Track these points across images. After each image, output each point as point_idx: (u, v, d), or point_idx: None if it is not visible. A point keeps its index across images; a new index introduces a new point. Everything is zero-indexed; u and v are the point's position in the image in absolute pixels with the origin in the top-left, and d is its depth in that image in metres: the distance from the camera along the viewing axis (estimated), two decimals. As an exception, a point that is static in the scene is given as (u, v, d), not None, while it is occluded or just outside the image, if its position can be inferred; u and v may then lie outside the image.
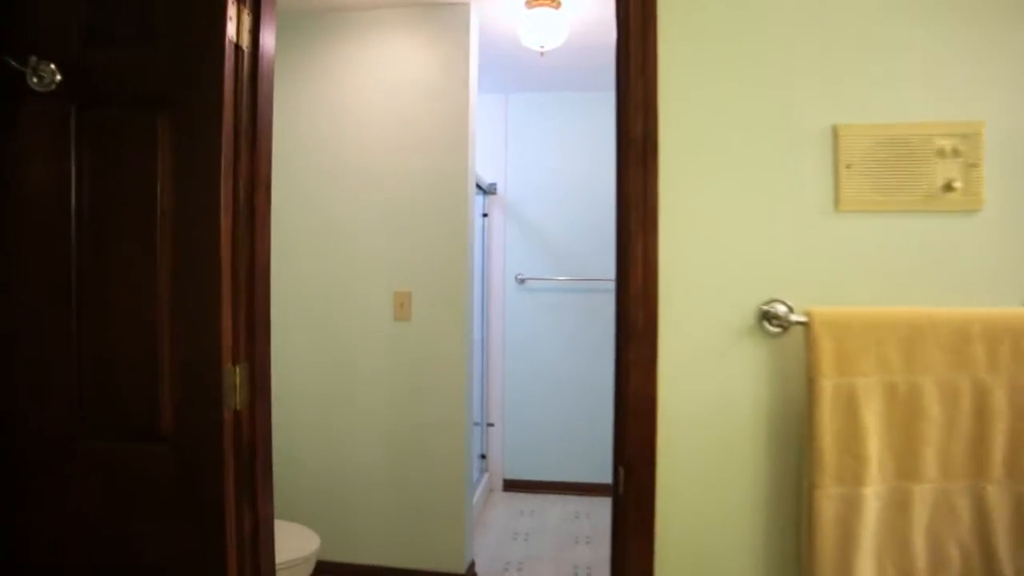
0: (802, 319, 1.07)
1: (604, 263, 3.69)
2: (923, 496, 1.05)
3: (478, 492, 3.36)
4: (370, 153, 2.44)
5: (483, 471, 3.71)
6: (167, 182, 1.14)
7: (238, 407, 1.18)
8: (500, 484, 3.77)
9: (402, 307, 2.41)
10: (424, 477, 2.41)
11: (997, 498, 1.05)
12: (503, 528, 3.28)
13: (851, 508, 1.04)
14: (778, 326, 1.12)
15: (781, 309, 1.12)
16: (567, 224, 3.74)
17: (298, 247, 2.47)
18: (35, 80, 1.09)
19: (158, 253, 1.13)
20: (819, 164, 1.14)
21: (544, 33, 2.40)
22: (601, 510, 3.46)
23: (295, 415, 2.46)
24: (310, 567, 1.99)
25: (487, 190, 3.68)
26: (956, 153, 1.11)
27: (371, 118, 2.45)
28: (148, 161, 1.14)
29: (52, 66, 1.10)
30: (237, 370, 1.18)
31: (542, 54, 2.50)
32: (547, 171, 3.75)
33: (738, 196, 1.14)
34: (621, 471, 1.14)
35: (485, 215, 3.72)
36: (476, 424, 3.60)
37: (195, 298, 1.13)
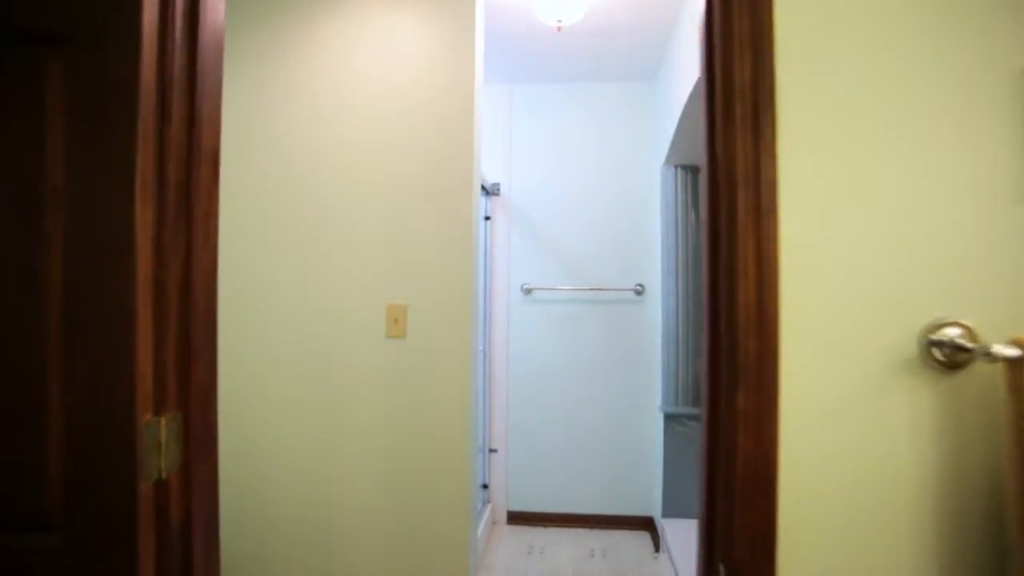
0: (1000, 351, 0.72)
1: (619, 270, 3.34)
2: None
3: (480, 526, 2.98)
4: (358, 147, 2.09)
5: (485, 502, 3.34)
6: (58, 151, 0.78)
7: (164, 474, 0.82)
8: (504, 516, 3.39)
9: (396, 322, 2.04)
10: (422, 519, 2.04)
11: None
12: (509, 569, 2.91)
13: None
14: (951, 358, 0.77)
15: (955, 334, 0.77)
16: (578, 228, 3.39)
17: (272, 255, 2.10)
18: None
19: (42, 255, 0.77)
20: (1015, 129, 0.79)
21: (562, 4, 2.06)
22: (619, 546, 3.10)
23: (271, 451, 2.08)
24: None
25: (490, 191, 3.33)
26: None
27: (361, 107, 2.09)
28: (31, 120, 0.78)
29: None
30: (163, 422, 0.82)
31: (559, 29, 2.17)
32: (556, 170, 3.41)
33: (892, 172, 0.79)
34: (722, 570, 0.78)
35: (487, 218, 3.37)
36: (478, 450, 3.24)
37: (98, 323, 0.77)
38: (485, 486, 3.35)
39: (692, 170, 2.98)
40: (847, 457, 0.78)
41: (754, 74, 0.75)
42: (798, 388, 0.77)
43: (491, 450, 3.37)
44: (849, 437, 0.78)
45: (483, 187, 3.15)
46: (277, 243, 2.11)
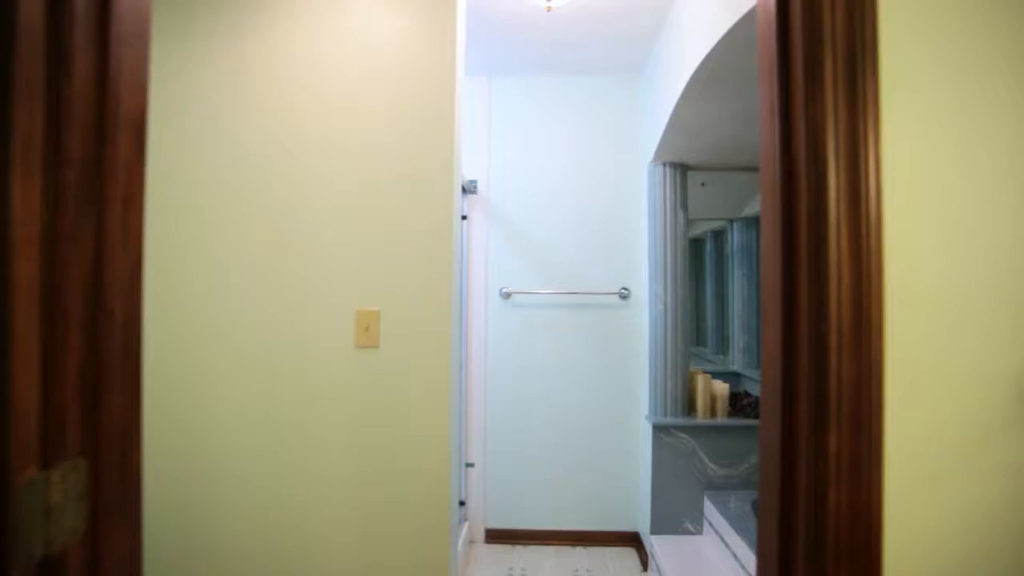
0: None
1: (603, 273, 3.18)
2: None
3: (457, 546, 2.77)
4: (327, 139, 1.87)
5: (462, 520, 3.13)
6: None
7: (55, 548, 0.60)
8: (482, 535, 3.19)
9: (367, 331, 1.83)
10: (396, 550, 1.83)
11: None
12: (489, 594, 2.71)
13: None
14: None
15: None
16: (560, 229, 3.22)
17: (229, 255, 1.86)
18: None
19: None
20: None
21: (553, -18, 1.88)
22: (604, 565, 2.92)
23: (226, 476, 1.84)
24: None
25: (467, 188, 3.13)
26: None
27: (329, 94, 1.88)
28: None
29: None
30: (55, 478, 0.60)
31: (548, 9, 1.98)
32: (537, 168, 3.23)
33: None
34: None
35: (464, 217, 3.17)
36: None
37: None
38: (462, 503, 3.14)
39: (681, 168, 2.83)
40: (975, 516, 0.61)
41: (849, 22, 0.58)
42: (909, 426, 0.60)
43: (468, 464, 3.17)
44: (978, 490, 0.61)
45: (461, 185, 2.95)
46: (234, 242, 1.87)
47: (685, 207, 2.84)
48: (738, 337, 3.50)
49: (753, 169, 2.90)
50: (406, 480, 1.84)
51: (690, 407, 2.85)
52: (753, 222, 3.50)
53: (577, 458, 3.19)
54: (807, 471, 0.60)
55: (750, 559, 2.24)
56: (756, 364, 3.49)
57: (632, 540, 3.15)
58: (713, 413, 2.79)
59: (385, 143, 1.86)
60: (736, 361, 3.49)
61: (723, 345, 3.65)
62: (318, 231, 1.86)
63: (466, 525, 3.11)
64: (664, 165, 2.83)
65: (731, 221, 3.51)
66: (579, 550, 3.11)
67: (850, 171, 0.58)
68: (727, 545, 2.45)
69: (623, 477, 3.18)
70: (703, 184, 3.01)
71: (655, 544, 2.67)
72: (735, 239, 3.51)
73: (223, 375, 1.85)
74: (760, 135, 0.68)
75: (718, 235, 3.59)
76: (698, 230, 3.51)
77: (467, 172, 3.16)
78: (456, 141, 1.90)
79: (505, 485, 3.20)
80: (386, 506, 1.84)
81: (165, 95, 1.87)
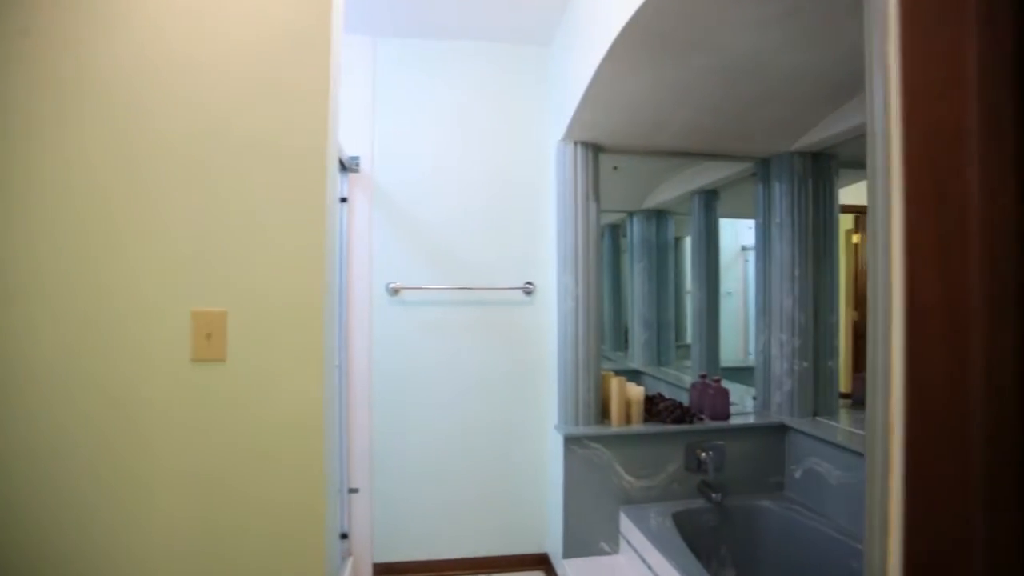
0: None
1: (505, 266, 2.83)
2: None
3: (339, 595, 2.32)
4: (163, 96, 1.35)
5: (344, 556, 2.66)
6: None
7: None
8: (369, 571, 2.73)
9: (209, 338, 1.34)
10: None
11: None
12: (378, 647, 2.28)
13: None
14: None
15: None
16: (456, 215, 2.83)
17: (28, 246, 1.30)
18: None
19: None
20: None
21: None
22: (513, 600, 2.59)
23: (29, 522, 1.28)
24: None
25: (347, 166, 2.66)
26: None
27: (169, 41, 1.36)
28: None
29: None
30: None
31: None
32: (429, 145, 2.81)
33: None
34: None
35: (344, 200, 2.69)
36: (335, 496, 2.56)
37: None
38: (344, 536, 2.67)
39: (594, 148, 2.55)
40: None
41: None
42: None
43: (351, 490, 2.70)
44: None
45: (339, 160, 2.47)
46: (32, 229, 1.31)
47: (598, 191, 2.56)
48: (638, 333, 3.33)
49: (672, 153, 2.68)
50: (268, 519, 1.37)
51: (604, 414, 2.58)
52: (654, 215, 3.33)
53: (479, 476, 2.82)
54: None
55: (667, 570, 2.00)
56: (657, 361, 3.33)
57: (541, 563, 2.84)
58: (628, 420, 2.53)
59: (239, 105, 1.38)
60: (636, 358, 3.32)
61: (621, 342, 3.47)
62: (150, 206, 1.34)
63: (350, 562, 2.64)
64: (576, 144, 2.53)
65: (631, 214, 3.33)
66: (482, 580, 2.76)
67: None
68: (646, 564, 2.20)
69: (530, 495, 2.86)
70: (616, 168, 2.76)
71: (568, 570, 2.37)
72: (635, 232, 3.33)
73: (15, 389, 1.29)
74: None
75: (615, 228, 3.41)
76: (596, 223, 3.29)
77: (348, 147, 2.69)
78: (331, 107, 1.46)
79: (396, 512, 2.76)
80: (241, 556, 1.36)
81: None
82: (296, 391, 1.39)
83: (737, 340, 3.31)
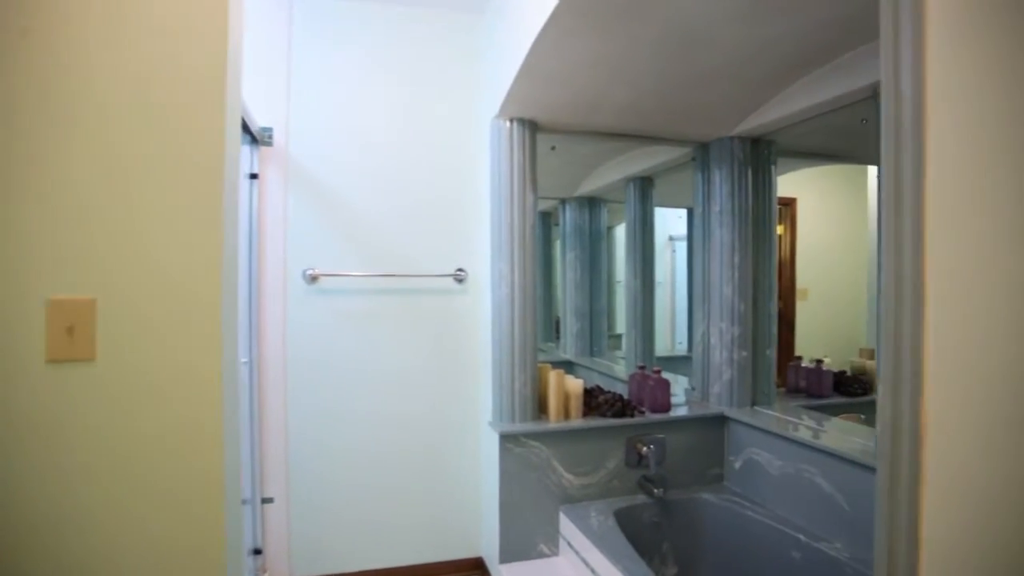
0: None
1: (434, 251, 2.63)
2: None
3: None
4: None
5: (258, 574, 2.39)
6: None
7: None
8: (285, 588, 2.48)
9: (71, 333, 1.07)
10: None
11: None
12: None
13: None
14: None
15: None
16: (380, 196, 2.60)
17: None
18: None
19: None
20: None
21: None
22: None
23: None
24: None
25: (258, 138, 2.37)
26: None
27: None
28: None
29: None
30: None
31: None
32: (352, 117, 2.56)
33: None
34: None
35: (254, 176, 2.39)
36: (243, 502, 2.29)
37: None
38: (258, 551, 2.40)
39: (531, 125, 2.38)
40: None
41: None
42: None
43: (264, 500, 2.43)
44: None
45: (247, 129, 2.19)
46: None
47: (535, 171, 2.40)
48: (570, 324, 3.24)
49: (610, 135, 2.55)
50: (151, 554, 1.13)
51: (541, 408, 2.44)
52: (586, 202, 3.24)
53: (407, 478, 2.62)
54: None
55: (609, 572, 1.89)
56: (590, 352, 3.25)
57: (476, 567, 2.67)
58: (567, 415, 2.40)
59: (105, 39, 1.11)
60: (568, 349, 3.23)
61: (551, 332, 3.36)
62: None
63: (262, 579, 2.38)
64: (512, 121, 2.36)
65: (563, 201, 3.22)
66: (411, 589, 2.56)
67: None
68: (587, 564, 2.08)
69: (463, 496, 2.69)
70: (553, 148, 2.60)
71: (506, 575, 2.22)
72: (568, 220, 3.23)
73: None
74: None
75: (546, 216, 3.30)
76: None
77: (260, 118, 2.39)
78: (231, 52, 1.21)
79: (316, 521, 2.51)
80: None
81: None
82: (187, 394, 1.15)
83: (665, 331, 3.27)
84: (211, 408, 1.16)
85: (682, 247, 3.23)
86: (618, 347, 3.25)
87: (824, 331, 2.68)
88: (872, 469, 1.79)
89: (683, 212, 3.22)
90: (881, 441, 0.87)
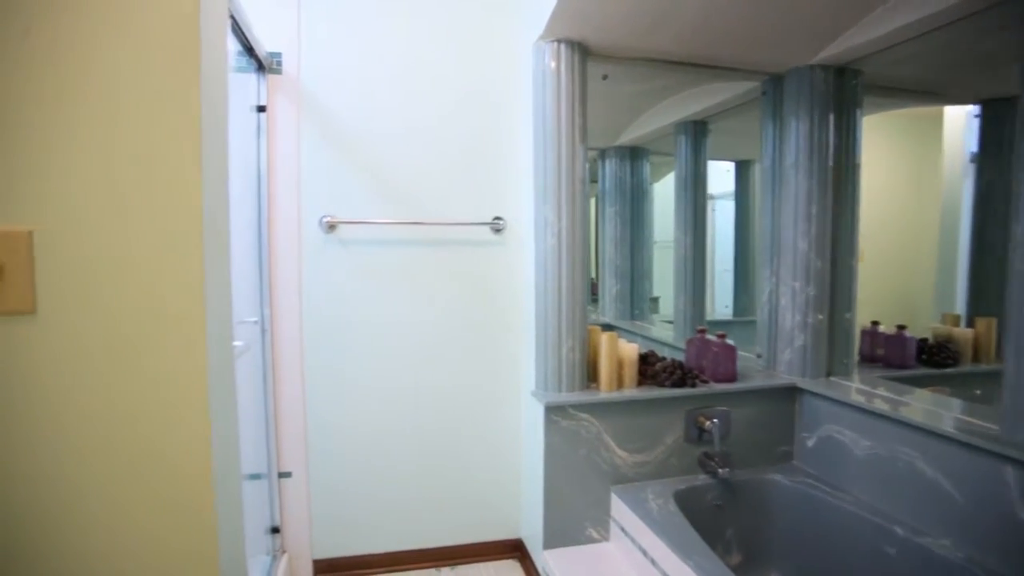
0: None
1: (468, 197, 2.32)
2: None
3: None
4: None
5: (275, 555, 2.17)
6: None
7: None
8: (309, 569, 2.25)
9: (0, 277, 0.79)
10: None
11: None
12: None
13: None
14: None
15: None
16: (407, 133, 2.27)
17: None
18: None
19: None
20: None
21: None
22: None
23: None
24: None
25: (265, 64, 2.05)
26: None
27: None
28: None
29: None
30: None
31: None
32: (373, 45, 2.23)
33: None
34: None
35: (262, 109, 2.08)
36: (255, 477, 2.06)
37: None
38: (276, 530, 2.17)
39: (580, 49, 2.02)
40: None
41: None
42: None
43: (282, 475, 2.19)
44: None
45: (250, 50, 1.87)
46: None
47: (584, 102, 2.06)
48: (610, 285, 2.93)
49: (671, 62, 2.18)
50: (131, 538, 0.87)
51: (590, 376, 2.14)
52: (627, 153, 2.89)
53: (438, 453, 2.36)
54: None
55: (675, 566, 1.62)
56: (630, 315, 2.95)
57: (515, 549, 2.43)
58: (620, 384, 2.11)
59: None
60: (608, 311, 2.93)
61: (588, 293, 3.07)
62: None
63: (284, 559, 2.16)
64: (559, 43, 2.00)
65: (602, 153, 2.88)
66: (445, 572, 2.32)
67: None
68: (645, 553, 1.82)
69: (501, 473, 2.43)
70: (605, 77, 2.24)
71: (551, 563, 1.96)
72: (608, 173, 2.89)
73: None
74: None
75: (583, 169, 2.98)
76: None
77: (265, 41, 2.07)
78: None
79: (338, 498, 2.28)
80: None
81: None
82: (161, 355, 0.86)
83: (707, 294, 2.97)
84: (193, 368, 0.88)
85: (722, 206, 2.90)
86: (655, 310, 2.96)
87: (882, 296, 2.34)
88: (994, 455, 1.48)
89: (730, 166, 2.88)
90: None
